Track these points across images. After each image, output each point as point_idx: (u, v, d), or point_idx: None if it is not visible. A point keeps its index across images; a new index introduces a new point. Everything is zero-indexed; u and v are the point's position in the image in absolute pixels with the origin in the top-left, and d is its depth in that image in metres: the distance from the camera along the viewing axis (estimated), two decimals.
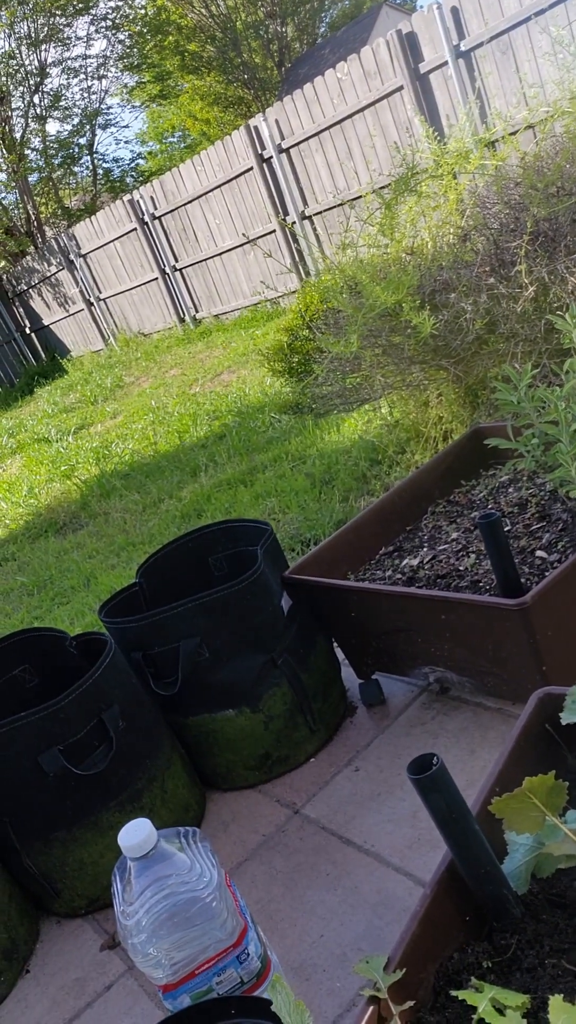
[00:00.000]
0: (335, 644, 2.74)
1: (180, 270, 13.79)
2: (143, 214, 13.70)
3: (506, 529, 2.53)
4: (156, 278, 14.23)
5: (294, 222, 11.23)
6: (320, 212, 10.93)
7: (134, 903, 1.49)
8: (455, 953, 1.28)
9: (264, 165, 11.25)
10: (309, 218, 11.20)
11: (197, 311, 13.98)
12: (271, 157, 11.05)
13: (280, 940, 2.01)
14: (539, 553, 2.32)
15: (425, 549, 2.65)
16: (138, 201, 13.62)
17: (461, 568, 2.44)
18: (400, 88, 9.09)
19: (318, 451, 5.32)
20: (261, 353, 6.67)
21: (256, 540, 2.65)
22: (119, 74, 20.10)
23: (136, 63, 19.52)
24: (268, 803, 2.47)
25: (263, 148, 11.13)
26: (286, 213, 11.41)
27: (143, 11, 18.57)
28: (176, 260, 13.77)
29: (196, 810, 2.47)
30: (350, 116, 9.83)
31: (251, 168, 11.43)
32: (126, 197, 14.01)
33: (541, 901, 1.37)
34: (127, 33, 18.50)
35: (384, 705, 2.66)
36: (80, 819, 2.17)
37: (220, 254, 12.81)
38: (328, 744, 2.60)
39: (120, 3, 18.30)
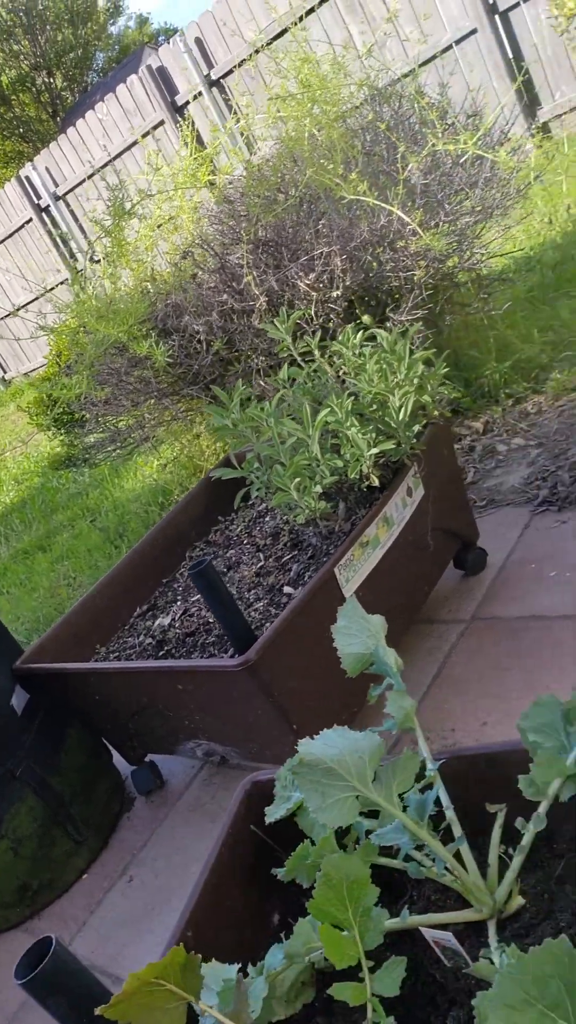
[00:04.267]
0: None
1: None
2: None
3: (258, 565, 2.25)
4: None
5: (83, 269, 10.85)
6: (103, 258, 10.61)
7: None
8: None
9: (43, 214, 10.83)
10: (98, 262, 10.85)
11: (5, 372, 13.29)
12: (48, 206, 10.64)
13: None
14: (286, 589, 2.05)
15: (178, 603, 2.33)
16: None
17: (210, 620, 2.14)
18: (162, 122, 8.94)
19: (112, 502, 4.94)
20: (20, 408, 6.20)
21: None
22: None
23: None
24: None
25: (39, 197, 10.70)
26: (74, 259, 11.01)
27: None
28: None
29: None
30: (120, 155, 9.60)
31: (31, 219, 10.97)
32: None
33: None
34: None
35: (163, 789, 2.31)
36: None
37: (17, 310, 12.22)
38: (103, 851, 2.21)
39: None
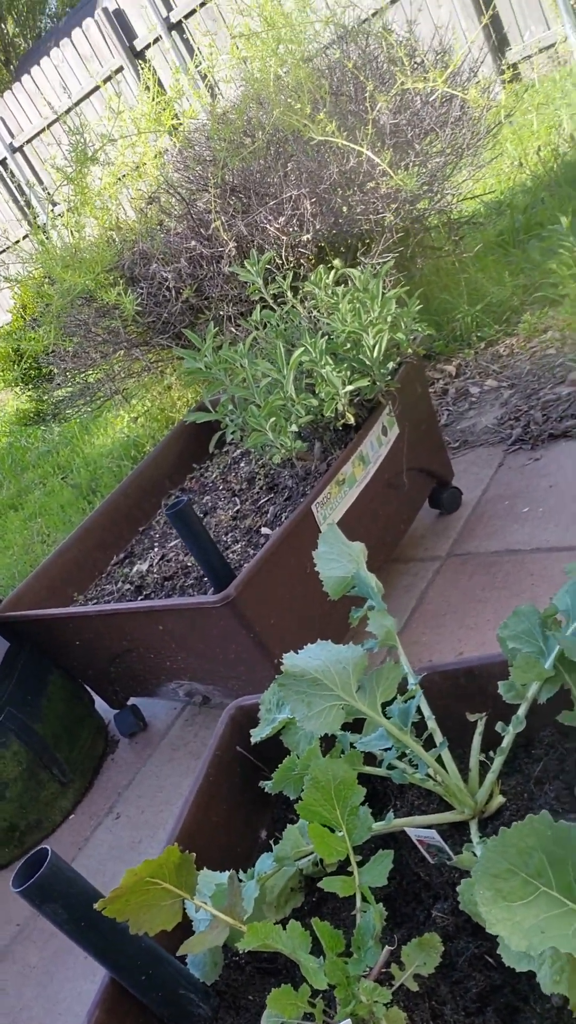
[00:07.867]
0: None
1: None
2: None
3: (235, 509, 2.26)
4: None
5: (44, 224, 10.59)
6: (66, 207, 10.36)
7: None
8: None
9: None
10: (56, 206, 10.60)
11: None
12: (4, 158, 10.34)
13: None
14: (264, 531, 2.07)
15: (156, 549, 2.35)
16: None
17: (189, 564, 2.15)
18: (120, 69, 8.68)
19: (84, 459, 4.91)
20: None
21: None
22: None
23: None
24: None
25: None
26: (36, 216, 10.73)
27: None
28: None
29: None
30: (79, 103, 9.32)
31: None
32: None
33: (249, 974, 1.10)
34: None
35: (146, 731, 2.35)
36: None
37: None
38: (88, 792, 2.25)
39: None
